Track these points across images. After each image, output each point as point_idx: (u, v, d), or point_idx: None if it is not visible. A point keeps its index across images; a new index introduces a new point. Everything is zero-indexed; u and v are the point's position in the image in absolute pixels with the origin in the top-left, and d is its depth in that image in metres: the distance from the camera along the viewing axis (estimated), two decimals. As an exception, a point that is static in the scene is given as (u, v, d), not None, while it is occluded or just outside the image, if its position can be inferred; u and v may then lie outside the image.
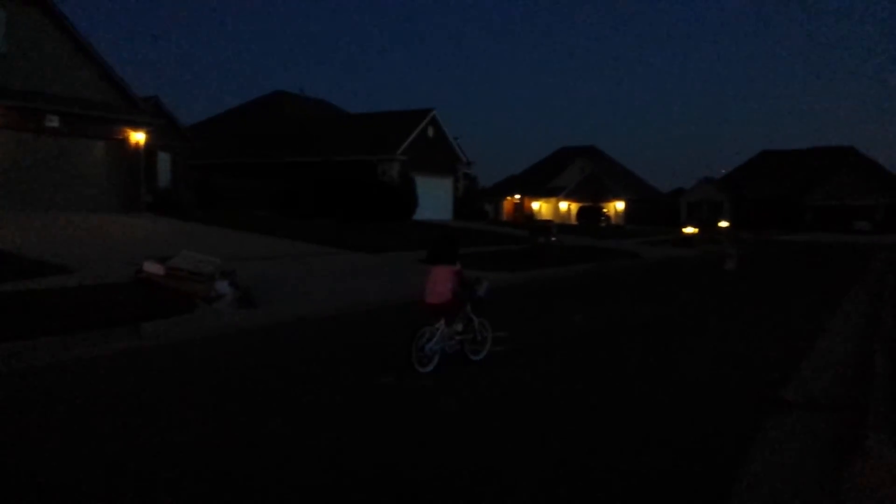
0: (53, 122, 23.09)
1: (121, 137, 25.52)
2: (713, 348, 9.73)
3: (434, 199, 41.86)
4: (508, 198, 78.92)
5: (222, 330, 10.24)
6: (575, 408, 6.52)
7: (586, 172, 77.24)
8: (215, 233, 22.25)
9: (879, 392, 6.49)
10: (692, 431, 5.83)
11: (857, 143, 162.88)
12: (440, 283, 8.00)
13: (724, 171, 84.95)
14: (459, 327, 8.14)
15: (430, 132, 43.13)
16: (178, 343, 9.26)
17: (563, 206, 75.83)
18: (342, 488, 4.49)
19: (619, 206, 74.51)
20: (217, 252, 14.59)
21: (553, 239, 27.15)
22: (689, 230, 41.09)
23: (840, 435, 5.67)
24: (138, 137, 25.96)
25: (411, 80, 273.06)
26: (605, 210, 69.18)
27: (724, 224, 53.85)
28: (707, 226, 49.53)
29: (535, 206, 78.09)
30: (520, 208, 77.43)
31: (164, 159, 33.25)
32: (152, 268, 12.45)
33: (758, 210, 70.33)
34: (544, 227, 30.12)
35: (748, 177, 78.60)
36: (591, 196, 71.49)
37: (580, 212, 68.64)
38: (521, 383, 7.50)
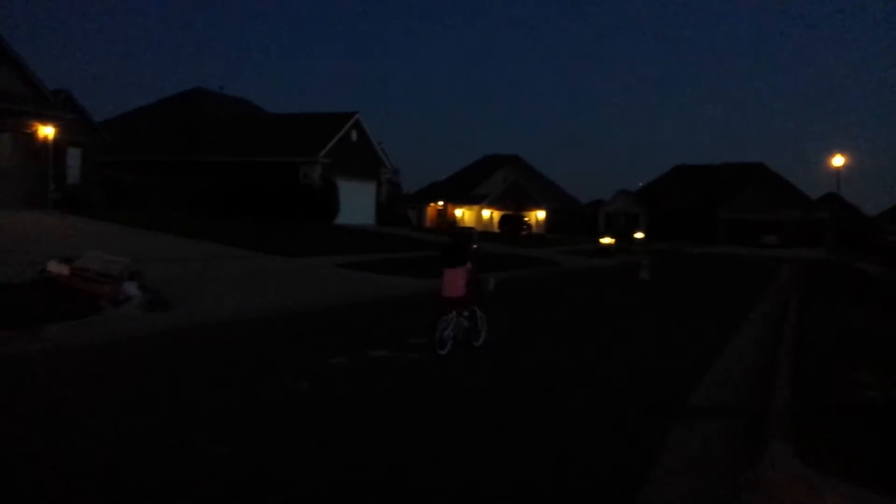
0: (-47, 111, 21.92)
1: (28, 131, 24.41)
2: (625, 355, 9.95)
3: (356, 203, 41.56)
4: (432, 204, 79.10)
5: (129, 334, 9.86)
6: (485, 416, 6.55)
7: (509, 181, 78.15)
8: (126, 233, 21.50)
9: (781, 400, 6.75)
10: (606, 436, 5.95)
11: (767, 159, 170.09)
12: (456, 280, 9.30)
13: (640, 183, 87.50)
14: (466, 318, 9.45)
15: (354, 136, 42.83)
16: (80, 347, 8.86)
17: (486, 213, 76.47)
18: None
19: (541, 215, 75.66)
20: (127, 253, 14.07)
21: (474, 246, 27.32)
22: (606, 240, 42.07)
23: (744, 441, 5.88)
24: (47, 131, 24.89)
25: (336, 84, 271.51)
26: (526, 219, 70.06)
27: (639, 235, 55.36)
28: (624, 236, 50.87)
29: (459, 213, 78.49)
30: (443, 215, 77.70)
31: (74, 155, 31.88)
32: (57, 268, 11.94)
33: (672, 222, 72.61)
34: (466, 234, 30.30)
35: (663, 190, 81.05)
36: (514, 205, 72.31)
37: (502, 220, 69.36)
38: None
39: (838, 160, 48.76)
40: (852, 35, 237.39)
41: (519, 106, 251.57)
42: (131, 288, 11.55)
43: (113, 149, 36.16)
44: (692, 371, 8.79)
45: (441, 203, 78.75)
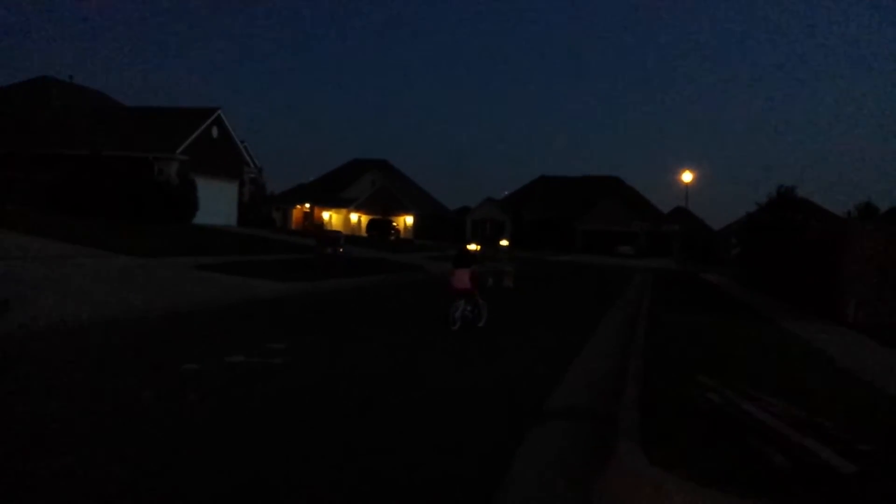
0: None
1: None
2: (485, 361, 10.08)
3: (217, 203, 40.05)
4: (298, 206, 77.73)
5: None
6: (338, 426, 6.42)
7: (377, 185, 78.01)
8: (-42, 228, 19.69)
9: (629, 403, 7.02)
10: (464, 440, 5.96)
11: (623, 173, 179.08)
12: (463, 277, 12.92)
13: (506, 192, 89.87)
14: (470, 305, 13.05)
15: (215, 133, 41.30)
16: None
17: (354, 217, 75.97)
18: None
19: (409, 220, 76.02)
20: (-44, 249, 12.84)
21: (340, 250, 27.08)
22: (472, 247, 42.76)
23: (595, 442, 6.07)
24: None
25: (198, 79, 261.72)
26: (395, 224, 70.21)
27: (504, 243, 56.71)
28: (489, 244, 51.95)
29: (326, 216, 77.57)
30: (310, 217, 76.51)
31: None
32: None
33: (535, 231, 74.97)
34: (332, 237, 29.96)
35: (527, 199, 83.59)
36: (382, 209, 72.24)
37: (370, 224, 69.15)
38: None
39: (687, 176, 51.92)
40: (708, 54, 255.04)
41: (388, 110, 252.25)
42: (-41, 288, 10.53)
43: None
44: (550, 373, 9.03)
45: (308, 205, 77.53)
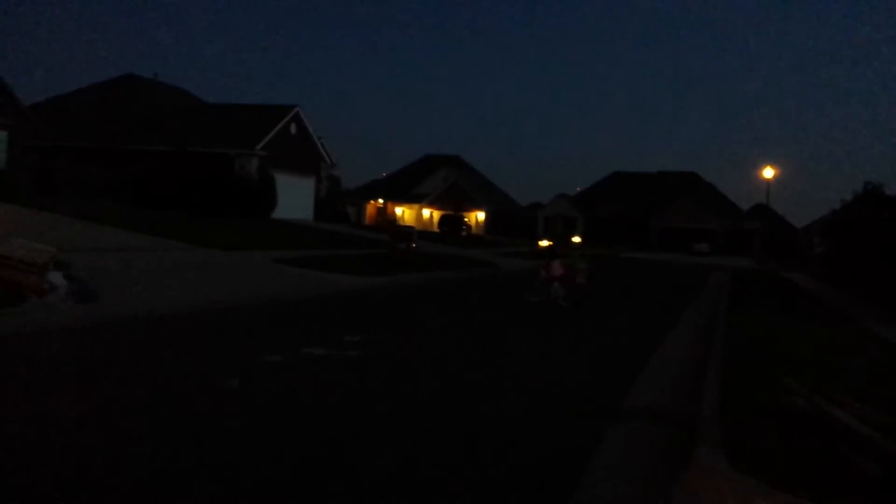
0: None
1: (-51, 111, 23.28)
2: (562, 357, 10.04)
3: (295, 198, 40.99)
4: (372, 201, 78.75)
5: (52, 325, 9.45)
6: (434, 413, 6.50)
7: (450, 181, 78.28)
8: (54, 221, 20.72)
9: (711, 406, 6.88)
10: (540, 438, 5.96)
11: (700, 168, 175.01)
12: (557, 267, 16.96)
13: (578, 188, 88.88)
14: (560, 290, 16.37)
15: (294, 129, 42.24)
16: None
17: (426, 213, 76.50)
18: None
19: (481, 216, 76.06)
20: (55, 242, 13.50)
21: (413, 245, 27.33)
22: (544, 243, 42.52)
23: (675, 445, 5.97)
24: (-30, 112, 23.78)
25: (276, 75, 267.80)
26: (466, 219, 70.34)
27: (576, 239, 56.16)
28: (561, 240, 51.52)
29: (399, 211, 78.35)
30: (383, 213, 77.43)
31: (-1, 138, 30.58)
32: (-25, 255, 11.35)
33: (608, 228, 73.91)
34: (405, 233, 30.24)
35: (600, 195, 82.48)
36: (454, 205, 72.46)
37: (442, 220, 69.46)
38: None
39: (769, 172, 50.37)
40: (786, 50, 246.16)
41: (461, 106, 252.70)
42: (57, 278, 11.09)
43: (42, 134, 34.80)
44: (627, 372, 8.92)
45: (381, 201, 78.47)
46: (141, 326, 10.07)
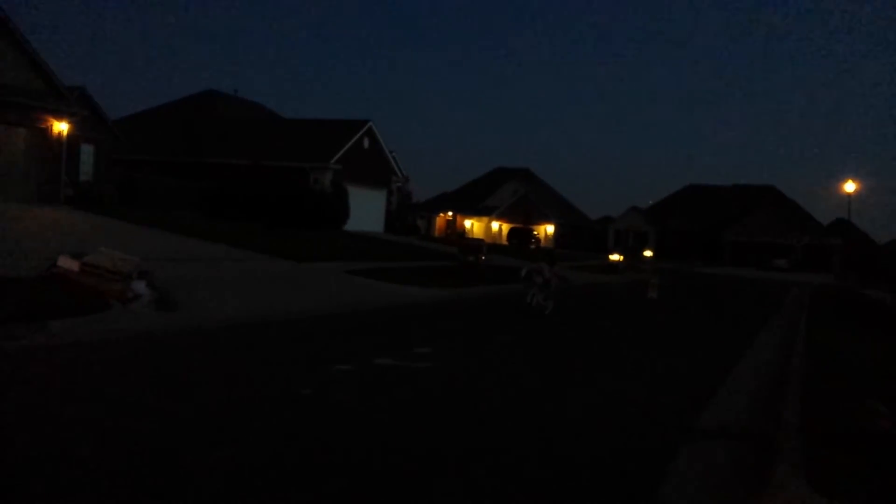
0: (-30, 104, 22.03)
1: (43, 126, 24.53)
2: (634, 374, 9.89)
3: (366, 210, 41.64)
4: (441, 214, 79.18)
5: (136, 332, 9.84)
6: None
7: (519, 194, 78.10)
8: (137, 231, 21.56)
9: (790, 426, 6.67)
10: (613, 455, 5.89)
11: (777, 182, 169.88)
12: (545, 270, 15.72)
13: (650, 201, 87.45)
14: (539, 294, 15.56)
15: (366, 143, 42.94)
16: (86, 343, 8.85)
17: (495, 225, 76.46)
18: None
19: (550, 229, 75.59)
20: (137, 251, 14.11)
21: (482, 258, 27.38)
22: (615, 257, 41.96)
23: (751, 465, 5.81)
24: (61, 127, 25.01)
25: (348, 91, 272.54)
26: (535, 232, 70.03)
27: (648, 253, 55.21)
28: (632, 254, 50.74)
29: (468, 224, 78.55)
30: (452, 225, 77.76)
31: (87, 152, 32.07)
32: (67, 263, 11.94)
33: (681, 242, 72.45)
34: (475, 246, 30.28)
35: (673, 209, 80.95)
36: (523, 218, 72.25)
37: (511, 233, 69.33)
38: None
39: (850, 186, 48.53)
40: (866, 60, 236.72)
41: (531, 119, 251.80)
42: (140, 286, 11.57)
43: (126, 147, 36.39)
44: (701, 393, 8.73)
45: (450, 213, 78.82)
46: (220, 334, 10.39)
